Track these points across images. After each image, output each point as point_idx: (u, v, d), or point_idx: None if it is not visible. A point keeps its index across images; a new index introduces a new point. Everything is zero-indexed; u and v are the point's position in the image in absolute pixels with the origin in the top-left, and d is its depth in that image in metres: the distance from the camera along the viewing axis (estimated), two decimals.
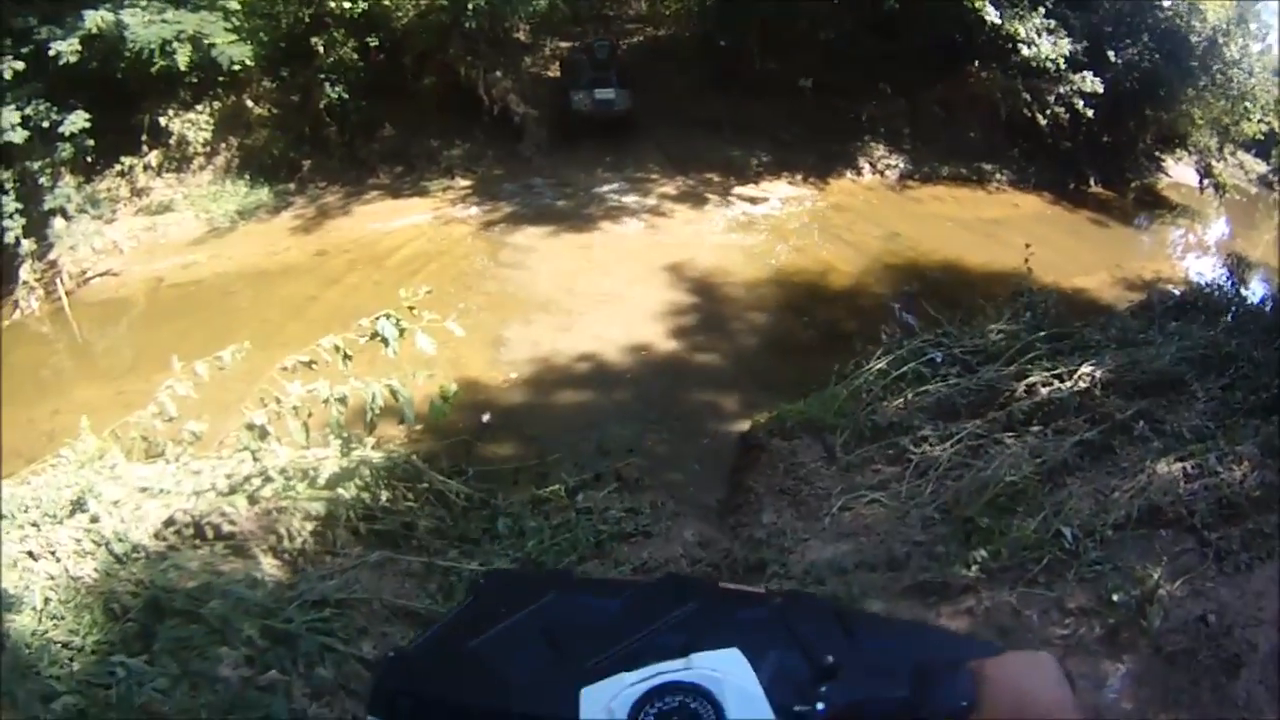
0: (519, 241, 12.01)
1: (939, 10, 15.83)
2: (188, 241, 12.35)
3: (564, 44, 18.80)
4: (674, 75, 17.62)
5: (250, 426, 5.51)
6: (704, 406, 8.06)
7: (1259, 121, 18.86)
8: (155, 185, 13.35)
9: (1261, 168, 21.86)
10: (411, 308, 4.99)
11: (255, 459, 5.48)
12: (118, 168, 13.08)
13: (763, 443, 6.67)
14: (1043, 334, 7.61)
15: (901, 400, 6.74)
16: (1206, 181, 19.44)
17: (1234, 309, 8.66)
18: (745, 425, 7.41)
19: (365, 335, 5.29)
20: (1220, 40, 17.34)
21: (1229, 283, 9.31)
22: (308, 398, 5.38)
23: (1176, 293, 9.71)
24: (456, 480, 6.09)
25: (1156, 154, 19.85)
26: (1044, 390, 6.79)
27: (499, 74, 14.87)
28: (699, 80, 17.35)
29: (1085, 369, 6.91)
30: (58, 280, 10.93)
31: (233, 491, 5.25)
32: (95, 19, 11.15)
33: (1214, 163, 19.47)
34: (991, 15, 14.56)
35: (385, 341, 4.84)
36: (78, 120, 11.08)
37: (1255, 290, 9.97)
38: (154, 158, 13.38)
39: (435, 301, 9.80)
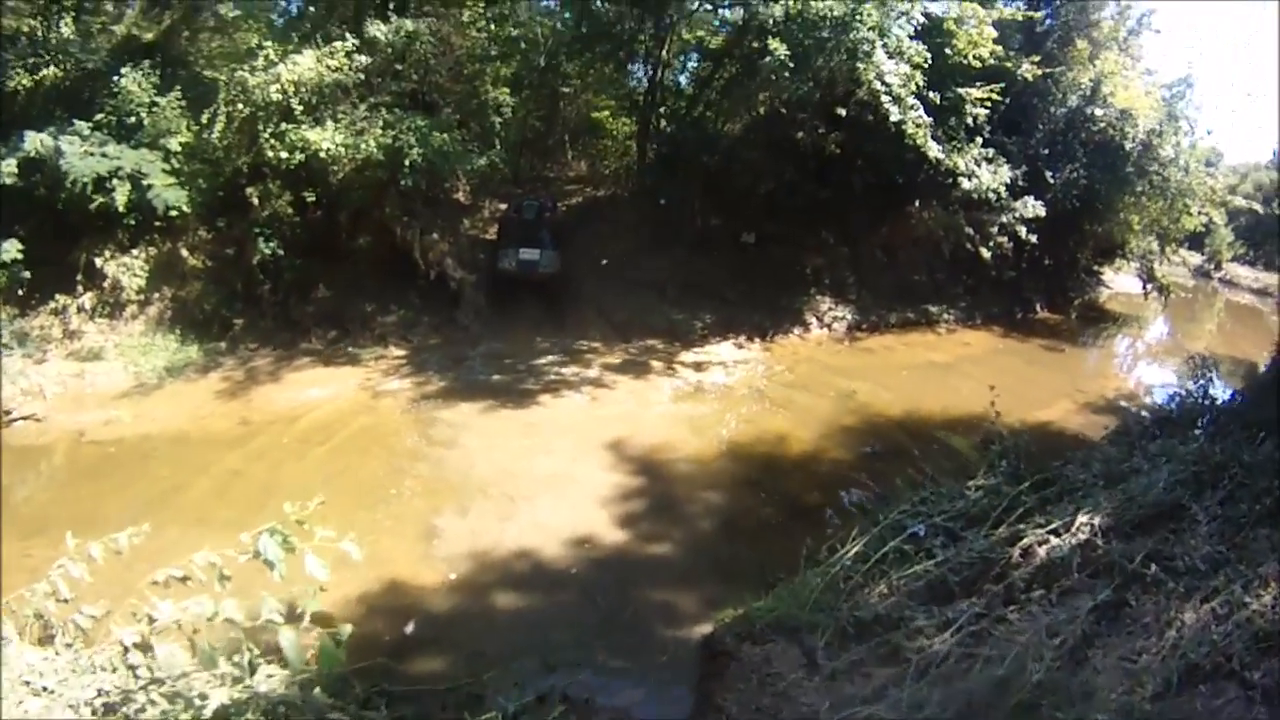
0: (454, 418, 11.28)
1: (879, 151, 16.08)
2: (114, 394, 11.55)
3: (503, 205, 18.79)
4: (613, 236, 17.50)
5: (124, 646, 4.59)
6: (659, 607, 7.14)
7: (1198, 214, 19.30)
8: (88, 329, 12.61)
9: (1196, 259, 22.35)
10: (301, 522, 4.12)
11: (135, 676, 4.55)
12: (52, 305, 12.42)
13: (730, 649, 5.82)
14: (1026, 485, 7.11)
15: (886, 585, 6.02)
16: (1149, 286, 19.79)
17: (1208, 414, 8.54)
18: (708, 627, 6.57)
19: (247, 553, 4.39)
20: (1154, 142, 17.96)
21: (1196, 387, 9.17)
22: (191, 615, 4.45)
23: (1147, 413, 9.70)
24: (372, 712, 5.14)
25: (1095, 268, 20.34)
26: (1041, 550, 6.19)
27: (435, 236, 14.51)
28: (640, 240, 17.24)
29: (1082, 518, 6.34)
30: None
31: (109, 712, 4.34)
32: (35, 141, 10.91)
33: (1155, 266, 19.89)
34: (934, 150, 14.69)
35: (270, 565, 3.98)
36: (10, 250, 10.73)
37: (1221, 389, 9.71)
38: (88, 299, 12.71)
39: (364, 482, 9.38)
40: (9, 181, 10.85)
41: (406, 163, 12.96)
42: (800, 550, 6.96)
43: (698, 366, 13.99)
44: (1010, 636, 5.28)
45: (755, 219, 17.22)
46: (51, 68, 12.65)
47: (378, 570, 7.42)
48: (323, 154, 12.56)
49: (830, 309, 16.78)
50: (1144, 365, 15.40)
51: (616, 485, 9.35)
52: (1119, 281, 21.13)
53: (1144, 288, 20.40)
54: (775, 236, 17.16)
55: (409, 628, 6.62)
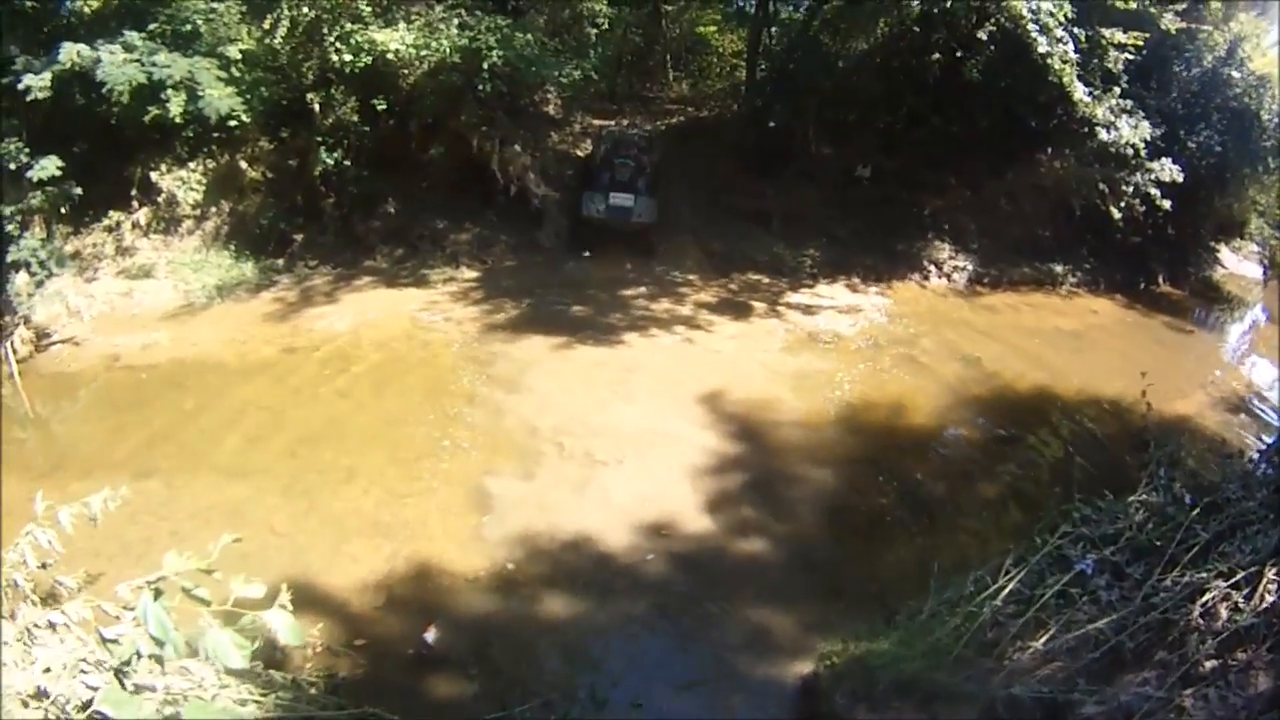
0: (525, 354, 10.00)
1: (1012, 89, 14.52)
2: (158, 315, 10.85)
3: (598, 122, 17.48)
4: (715, 160, 16.05)
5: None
6: (747, 629, 5.74)
7: None
8: (141, 245, 12.06)
9: None
10: (210, 571, 2.71)
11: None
12: (105, 222, 11.91)
13: (838, 711, 4.48)
14: (1195, 511, 5.57)
15: (1044, 638, 4.59)
16: (1270, 272, 18.58)
17: None
18: (808, 665, 5.21)
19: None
20: None
21: None
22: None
23: None
24: None
25: (1213, 245, 18.84)
26: (1224, 611, 4.70)
27: (518, 148, 13.16)
28: (744, 167, 15.79)
29: (1270, 574, 4.81)
30: (7, 345, 9.41)
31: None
32: (71, 53, 10.17)
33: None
34: (1080, 91, 12.97)
35: (157, 642, 2.67)
36: (49, 166, 10.09)
37: None
38: (143, 215, 12.16)
39: (411, 431, 8.01)
40: (41, 96, 10.13)
41: (485, 66, 11.62)
42: (926, 561, 5.75)
43: (806, 310, 12.50)
44: None
45: (871, 152, 15.64)
46: None
47: (409, 545, 6.33)
48: (391, 56, 11.38)
49: (950, 257, 15.15)
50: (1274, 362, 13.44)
51: (706, 452, 7.99)
52: (1233, 262, 19.15)
53: (1265, 274, 18.89)
54: (892, 173, 15.50)
55: (429, 635, 5.39)
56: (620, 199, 13.21)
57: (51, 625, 3.56)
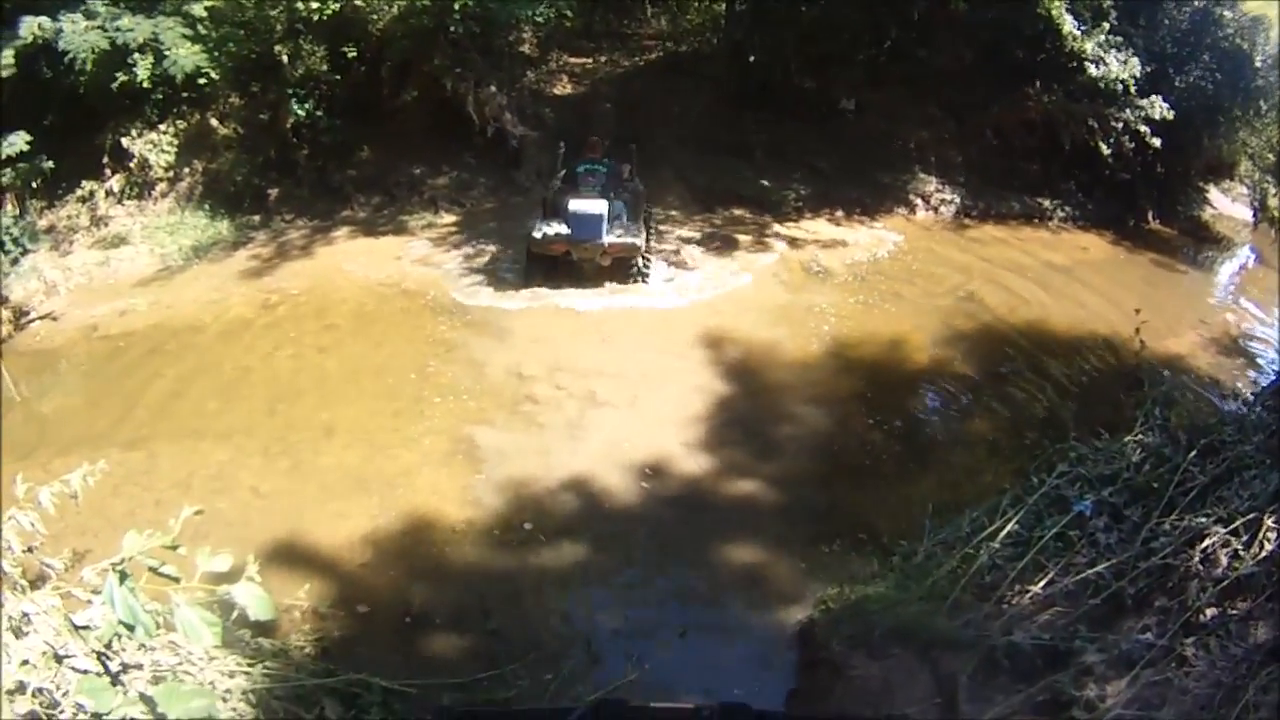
0: (507, 297, 9.80)
1: (999, 19, 14.16)
2: (134, 281, 10.66)
3: (574, 59, 17.11)
4: (695, 94, 15.66)
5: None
6: (741, 573, 5.68)
7: None
8: (116, 213, 11.88)
9: None
10: (174, 546, 2.54)
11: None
12: (79, 193, 11.81)
13: (836, 658, 4.41)
14: (1192, 453, 5.49)
15: (1043, 582, 4.53)
16: (1260, 216, 18.01)
17: None
18: (803, 611, 5.14)
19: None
20: None
21: None
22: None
23: None
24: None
25: (1201, 185, 18.38)
26: (1223, 558, 4.65)
27: (493, 88, 12.79)
28: (725, 101, 15.41)
29: (1269, 521, 4.75)
30: None
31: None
32: (32, 25, 10.10)
33: (1270, 194, 18.05)
34: (1069, 24, 12.77)
35: (128, 626, 2.53)
36: (18, 142, 9.99)
37: None
38: (116, 182, 11.99)
39: (392, 382, 7.81)
40: (5, 74, 10.12)
41: (456, 6, 11.25)
42: (923, 501, 5.66)
43: (792, 243, 12.23)
44: (1188, 687, 3.99)
45: (855, 85, 15.30)
46: None
47: (396, 499, 6.24)
48: (360, 2, 11.19)
49: (937, 190, 14.93)
50: (1264, 304, 13.35)
51: (694, 391, 7.85)
52: (1223, 204, 19.04)
53: (1255, 217, 18.50)
54: (876, 106, 15.27)
55: None
56: (584, 205, 9.59)
57: (26, 616, 3.44)
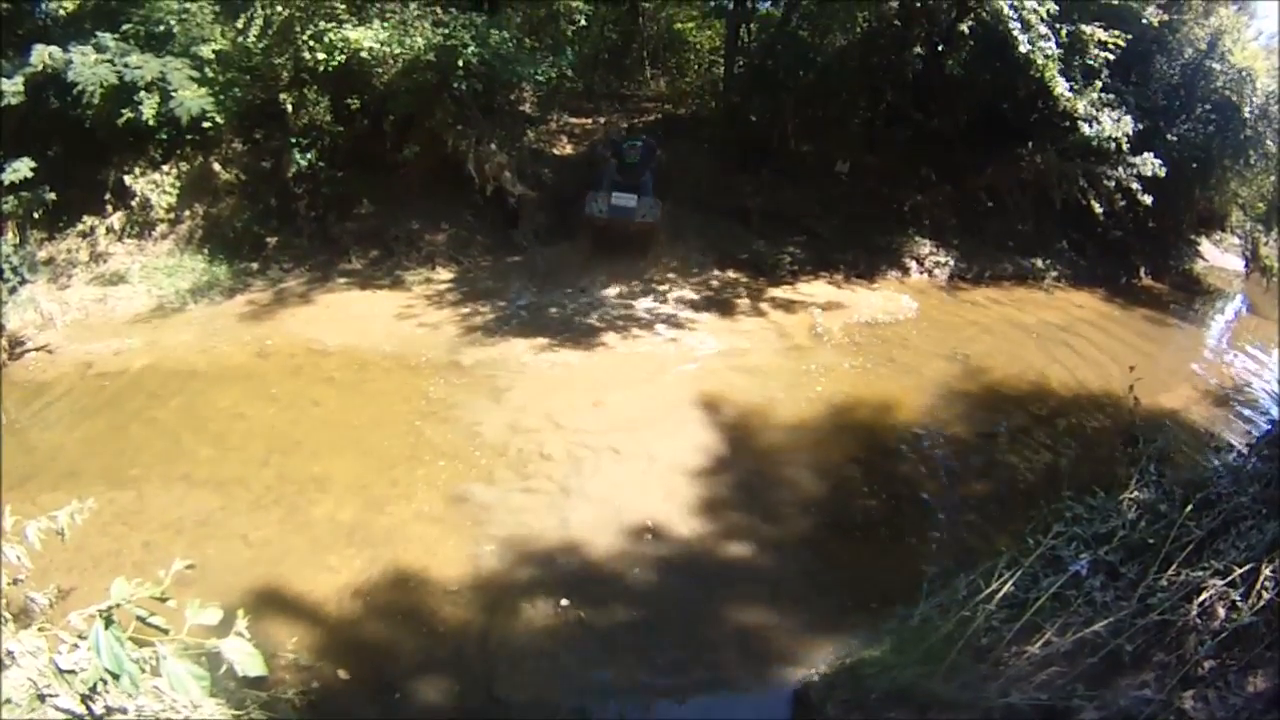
0: (503, 356, 9.83)
1: (992, 83, 14.67)
2: (131, 320, 10.75)
3: (574, 120, 17.34)
4: (692, 156, 15.81)
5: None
6: (737, 636, 5.57)
7: None
8: (115, 250, 11.96)
9: None
10: (164, 597, 2.51)
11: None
12: (80, 227, 11.87)
13: None
14: (1188, 507, 5.47)
15: (1040, 642, 4.48)
16: (1252, 266, 18.59)
17: None
18: (801, 670, 5.06)
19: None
20: (1273, 107, 15.96)
21: None
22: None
23: None
24: None
25: (1193, 238, 18.97)
26: (1221, 610, 4.60)
27: (493, 147, 12.89)
28: (722, 163, 15.60)
29: (1267, 570, 4.71)
30: None
31: None
32: (42, 55, 10.19)
33: (1261, 244, 18.58)
34: (1061, 86, 12.88)
35: (113, 675, 2.47)
36: (21, 168, 10.16)
37: None
38: (117, 220, 12.07)
39: (386, 437, 7.76)
40: (14, 101, 10.13)
41: (460, 64, 11.35)
42: (918, 564, 5.75)
43: (788, 307, 12.30)
44: None
45: (851, 148, 15.54)
46: None
47: (388, 553, 6.16)
48: (365, 55, 11.10)
49: (931, 253, 15.04)
50: (1257, 353, 13.39)
51: (691, 453, 7.79)
52: (1214, 255, 19.33)
53: (1246, 267, 18.85)
54: (872, 169, 15.43)
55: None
56: (622, 199, 12.70)
57: (11, 654, 3.38)
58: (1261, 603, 4.59)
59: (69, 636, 3.16)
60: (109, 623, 2.37)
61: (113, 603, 2.37)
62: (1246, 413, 10.18)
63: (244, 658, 2.44)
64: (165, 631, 2.40)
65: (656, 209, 12.92)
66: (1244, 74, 15.61)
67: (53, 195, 10.75)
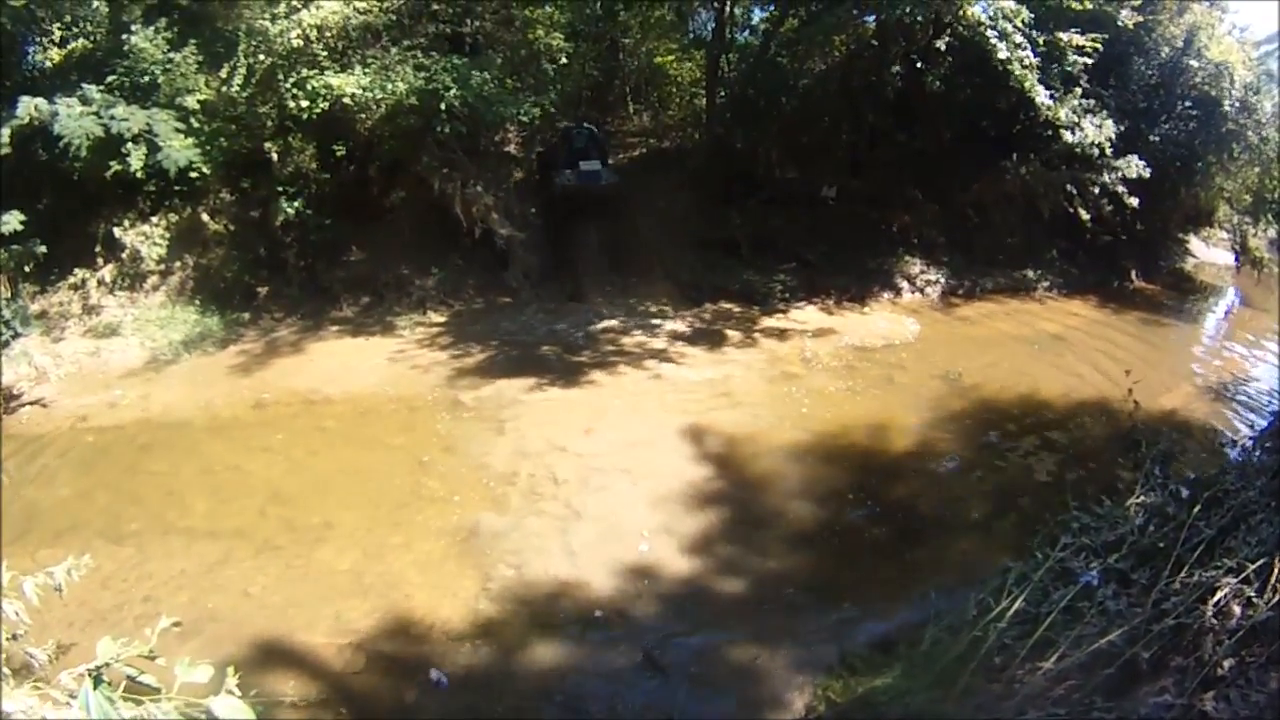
0: (498, 397, 9.81)
1: (973, 99, 14.83)
2: (124, 372, 10.74)
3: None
4: (679, 189, 15.92)
5: None
6: (740, 666, 5.43)
7: None
8: (107, 303, 12.02)
9: (1272, 233, 20.43)
10: (152, 655, 2.44)
11: None
12: (71, 280, 11.90)
13: None
14: (1196, 507, 5.41)
15: (1054, 657, 4.39)
16: (1242, 259, 18.60)
17: None
18: (804, 698, 4.97)
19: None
20: (1252, 100, 16.07)
21: None
22: None
23: None
24: None
25: (1182, 236, 19.13)
26: (1236, 608, 4.53)
27: (480, 189, 12.95)
28: (708, 194, 15.65)
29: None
30: None
31: None
32: (29, 107, 10.24)
33: (1250, 237, 18.59)
34: (1041, 95, 12.94)
35: None
36: (11, 221, 10.11)
37: None
38: (108, 272, 12.12)
39: (382, 484, 7.66)
40: (2, 154, 10.24)
41: (443, 107, 11.42)
42: (922, 584, 5.62)
43: (780, 335, 12.28)
44: None
45: (835, 172, 15.64)
46: (81, 40, 12.14)
47: (389, 601, 6.05)
48: (348, 101, 11.21)
49: (922, 272, 15.11)
50: (1254, 345, 13.34)
51: (686, 486, 7.72)
52: (1203, 251, 19.40)
53: (1236, 260, 18.91)
54: (858, 192, 15.48)
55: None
56: (588, 165, 14.58)
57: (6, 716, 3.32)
58: (1278, 596, 4.53)
59: (61, 695, 3.09)
60: (98, 682, 2.30)
61: (100, 662, 2.30)
62: (1248, 407, 10.16)
63: (235, 716, 2.37)
64: (156, 690, 2.33)
65: (614, 176, 15.00)
66: (1221, 68, 15.74)
67: (43, 248, 10.69)
